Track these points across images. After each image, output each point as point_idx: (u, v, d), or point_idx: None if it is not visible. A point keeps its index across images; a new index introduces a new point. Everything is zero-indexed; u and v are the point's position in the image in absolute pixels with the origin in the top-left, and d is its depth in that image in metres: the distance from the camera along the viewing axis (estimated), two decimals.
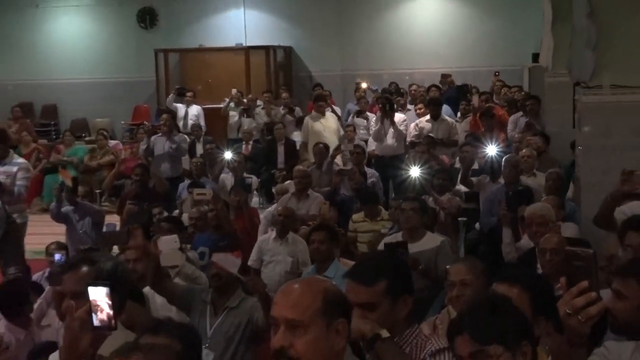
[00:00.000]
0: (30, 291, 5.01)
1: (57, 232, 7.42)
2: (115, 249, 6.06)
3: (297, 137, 11.51)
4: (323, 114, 10.40)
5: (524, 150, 7.40)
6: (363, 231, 6.90)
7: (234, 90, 13.29)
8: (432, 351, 2.52)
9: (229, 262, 4.32)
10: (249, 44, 15.56)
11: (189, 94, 13.33)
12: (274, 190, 8.61)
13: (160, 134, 9.76)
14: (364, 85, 13.32)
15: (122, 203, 7.94)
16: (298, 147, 10.98)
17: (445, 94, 12.62)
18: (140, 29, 16.40)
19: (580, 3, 5.69)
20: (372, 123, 10.53)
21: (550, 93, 9.35)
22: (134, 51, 16.00)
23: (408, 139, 9.76)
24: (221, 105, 13.33)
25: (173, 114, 11.77)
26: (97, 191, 11.24)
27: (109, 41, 16.24)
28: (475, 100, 11.82)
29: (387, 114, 9.51)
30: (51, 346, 3.69)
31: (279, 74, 16.02)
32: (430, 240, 5.28)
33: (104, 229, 7.10)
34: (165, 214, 7.06)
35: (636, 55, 5.42)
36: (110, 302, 2.19)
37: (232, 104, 13.11)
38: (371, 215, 6.97)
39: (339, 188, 8.05)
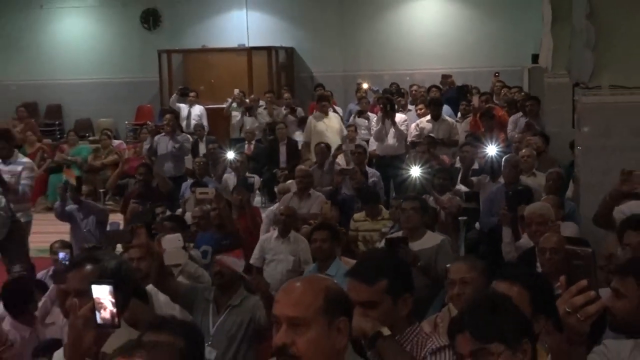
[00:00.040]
0: (35, 289, 5.04)
1: (62, 230, 7.47)
2: (119, 247, 6.10)
3: (298, 137, 11.54)
4: (326, 114, 10.42)
5: (523, 150, 7.40)
6: (364, 230, 6.93)
7: (236, 91, 13.34)
8: (432, 349, 2.54)
9: (234, 263, 4.35)
10: (252, 44, 15.59)
11: (191, 94, 13.36)
12: (276, 189, 8.65)
13: (163, 134, 9.79)
14: (365, 85, 13.35)
15: (126, 202, 7.97)
16: (300, 147, 11.02)
17: (446, 94, 12.63)
18: (143, 30, 16.44)
19: (579, 4, 5.70)
20: (373, 123, 10.57)
21: (550, 94, 9.37)
22: (137, 52, 16.04)
23: (409, 139, 9.78)
24: (224, 106, 13.37)
25: (176, 114, 11.77)
26: (101, 190, 11.30)
27: (113, 42, 16.28)
28: (475, 100, 11.84)
29: (388, 114, 9.53)
30: (55, 343, 3.70)
31: (281, 74, 16.05)
32: (431, 239, 5.28)
33: (108, 228, 7.15)
34: (168, 212, 7.10)
35: (635, 55, 5.43)
36: (113, 300, 2.19)
37: (234, 104, 13.15)
38: (372, 215, 7.00)
39: (340, 187, 8.07)
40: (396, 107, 10.34)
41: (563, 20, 8.01)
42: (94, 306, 2.20)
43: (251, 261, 6.22)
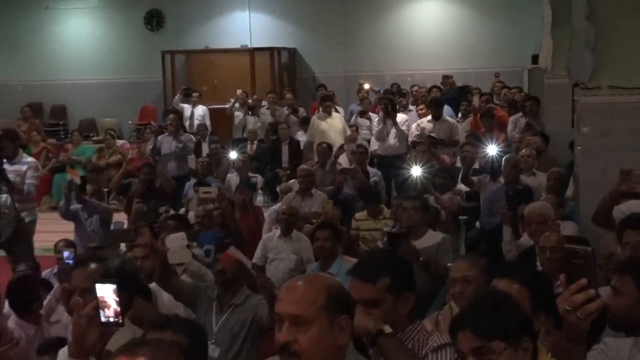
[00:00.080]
0: (40, 288, 5.05)
1: (66, 229, 7.49)
2: (123, 246, 6.14)
3: (301, 137, 11.57)
4: (330, 114, 10.43)
5: (523, 150, 7.40)
6: (365, 229, 6.97)
7: (239, 91, 13.39)
8: (434, 347, 2.56)
9: (243, 258, 4.38)
10: (254, 45, 15.62)
11: (195, 94, 13.41)
12: (278, 189, 8.69)
13: (166, 134, 9.83)
14: (366, 86, 13.37)
15: (130, 201, 8.00)
16: (302, 147, 11.05)
17: (447, 94, 12.65)
18: (147, 31, 16.49)
19: (579, 5, 5.70)
20: (374, 123, 10.60)
21: (550, 94, 9.38)
22: (141, 52, 16.08)
23: (410, 139, 9.80)
24: (226, 106, 13.40)
25: (179, 114, 11.83)
26: (105, 190, 11.31)
27: (117, 43, 16.32)
28: (475, 101, 11.86)
29: (389, 115, 9.56)
30: (60, 341, 3.69)
31: (283, 75, 16.08)
32: (431, 238, 5.30)
33: (112, 227, 7.18)
34: (172, 212, 7.14)
35: (635, 56, 5.42)
36: (117, 299, 2.21)
37: (237, 105, 13.19)
38: (373, 214, 7.01)
39: (342, 187, 8.10)
40: (397, 107, 10.37)
41: (563, 21, 8.00)
42: (98, 305, 2.22)
43: (253, 260, 6.23)
